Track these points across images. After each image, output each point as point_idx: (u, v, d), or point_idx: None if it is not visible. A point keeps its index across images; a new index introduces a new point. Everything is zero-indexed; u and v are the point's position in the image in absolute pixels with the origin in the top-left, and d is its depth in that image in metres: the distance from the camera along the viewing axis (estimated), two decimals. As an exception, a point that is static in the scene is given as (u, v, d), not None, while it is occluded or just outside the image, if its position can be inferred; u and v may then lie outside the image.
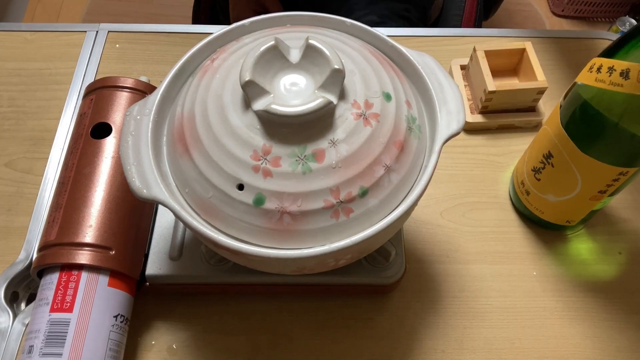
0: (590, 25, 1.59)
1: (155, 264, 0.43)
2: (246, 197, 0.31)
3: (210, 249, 0.42)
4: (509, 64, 0.58)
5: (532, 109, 0.57)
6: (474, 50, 0.56)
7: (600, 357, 0.45)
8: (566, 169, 0.43)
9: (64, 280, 0.39)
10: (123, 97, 0.47)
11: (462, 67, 0.60)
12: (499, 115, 0.56)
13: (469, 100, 0.58)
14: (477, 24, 0.80)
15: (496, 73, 0.54)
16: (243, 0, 0.77)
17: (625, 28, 1.46)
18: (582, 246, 0.50)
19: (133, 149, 0.33)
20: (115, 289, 0.40)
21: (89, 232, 0.40)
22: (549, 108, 0.58)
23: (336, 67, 0.30)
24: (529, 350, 0.45)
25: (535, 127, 0.57)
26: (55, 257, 0.40)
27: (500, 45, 0.56)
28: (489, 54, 0.55)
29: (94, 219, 0.41)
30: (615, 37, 0.65)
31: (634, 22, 1.46)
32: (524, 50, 0.56)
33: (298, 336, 0.45)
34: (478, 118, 0.56)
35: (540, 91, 0.54)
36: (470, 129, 0.57)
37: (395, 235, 0.44)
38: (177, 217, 0.32)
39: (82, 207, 0.41)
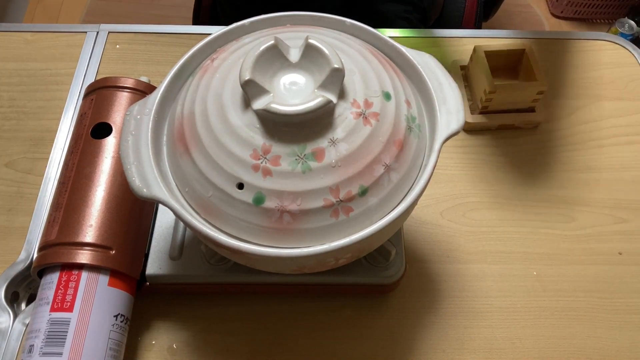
0: (589, 26, 1.59)
1: (156, 264, 0.43)
2: (246, 196, 0.31)
3: (210, 248, 0.42)
4: (509, 64, 0.58)
5: (532, 109, 0.57)
6: (474, 50, 0.56)
7: (600, 357, 0.45)
8: None
9: (64, 279, 0.39)
10: (123, 97, 0.47)
11: (462, 68, 0.60)
12: (499, 115, 0.56)
13: (469, 100, 0.58)
14: (477, 26, 0.80)
15: (496, 73, 0.54)
16: None
17: (625, 29, 1.46)
18: (582, 246, 0.50)
19: (133, 149, 0.33)
20: (115, 288, 0.40)
21: (89, 231, 0.40)
22: (549, 108, 0.58)
23: (336, 66, 0.30)
24: (529, 350, 0.45)
25: (535, 127, 0.57)
26: (55, 256, 0.40)
27: (500, 45, 0.56)
28: (489, 54, 0.55)
29: (94, 218, 0.41)
30: (614, 38, 0.65)
31: (633, 23, 1.46)
32: (523, 50, 0.56)
33: (298, 336, 0.45)
34: (478, 118, 0.56)
35: (540, 91, 0.54)
36: (470, 129, 0.57)
37: (395, 234, 0.44)
38: (177, 216, 0.32)
39: (83, 207, 0.41)
